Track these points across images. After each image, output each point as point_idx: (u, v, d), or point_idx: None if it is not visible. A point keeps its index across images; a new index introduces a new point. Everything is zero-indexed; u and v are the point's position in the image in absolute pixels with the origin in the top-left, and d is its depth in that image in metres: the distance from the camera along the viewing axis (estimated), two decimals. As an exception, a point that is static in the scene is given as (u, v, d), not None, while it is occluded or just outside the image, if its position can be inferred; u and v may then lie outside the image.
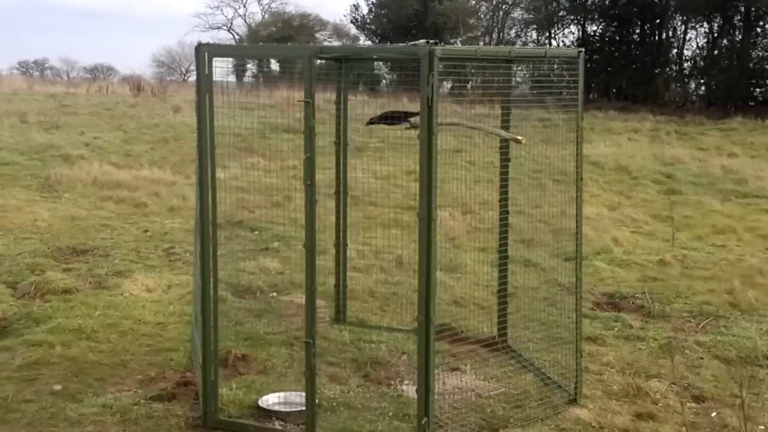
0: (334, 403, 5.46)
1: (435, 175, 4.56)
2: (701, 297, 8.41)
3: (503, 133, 5.97)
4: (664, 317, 7.90)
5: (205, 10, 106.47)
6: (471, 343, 6.78)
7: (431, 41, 4.49)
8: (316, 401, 5.31)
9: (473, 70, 5.47)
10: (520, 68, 6.50)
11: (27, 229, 10.07)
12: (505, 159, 6.69)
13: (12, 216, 10.60)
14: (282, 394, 5.41)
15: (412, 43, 4.64)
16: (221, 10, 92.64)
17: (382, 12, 49.73)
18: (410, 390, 5.65)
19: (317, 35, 60.59)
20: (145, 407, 5.25)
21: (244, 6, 65.01)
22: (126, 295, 7.52)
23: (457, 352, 6.60)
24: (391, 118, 6.42)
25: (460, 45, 47.33)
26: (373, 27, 50.84)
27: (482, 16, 51.19)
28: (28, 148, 15.90)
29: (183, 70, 70.92)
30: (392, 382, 5.90)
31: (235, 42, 64.49)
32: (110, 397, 5.40)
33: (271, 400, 5.34)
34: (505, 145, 6.63)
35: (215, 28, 63.41)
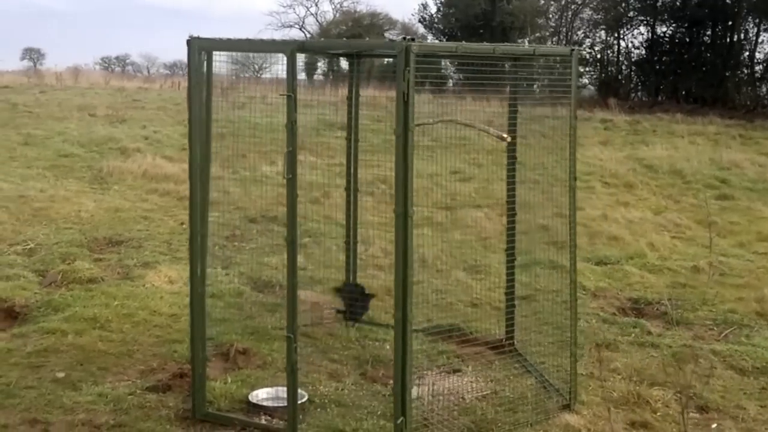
0: (326, 400, 5.44)
1: (411, 171, 4.50)
2: (728, 305, 8.14)
3: (491, 130, 5.85)
4: (687, 324, 7.67)
5: (278, 8, 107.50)
6: (478, 345, 6.70)
7: (408, 37, 4.44)
8: (306, 397, 5.33)
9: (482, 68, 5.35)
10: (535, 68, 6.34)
11: (70, 219, 10.30)
12: (511, 158, 6.57)
13: (58, 206, 10.86)
14: (273, 389, 5.42)
15: (390, 39, 4.58)
16: (294, 9, 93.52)
17: (450, 11, 49.48)
18: (418, 391, 5.59)
19: (386, 34, 60.68)
20: (139, 397, 5.32)
21: (316, 5, 65.45)
22: (147, 286, 7.63)
23: (463, 354, 6.52)
24: None
25: (517, 44, 46.90)
26: (440, 26, 50.66)
27: (551, 16, 50.56)
28: (89, 141, 16.29)
29: (256, 67, 71.84)
30: (389, 381, 5.84)
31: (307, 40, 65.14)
32: (108, 386, 5.47)
33: (261, 395, 5.35)
34: (512, 146, 6.51)
35: (287, 27, 63.82)
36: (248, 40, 4.95)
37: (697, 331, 7.53)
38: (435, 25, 51.49)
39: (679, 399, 5.80)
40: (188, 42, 4.90)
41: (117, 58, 63.55)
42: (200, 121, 5.03)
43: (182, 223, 10.42)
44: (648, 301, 8.35)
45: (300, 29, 64.87)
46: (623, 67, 44.76)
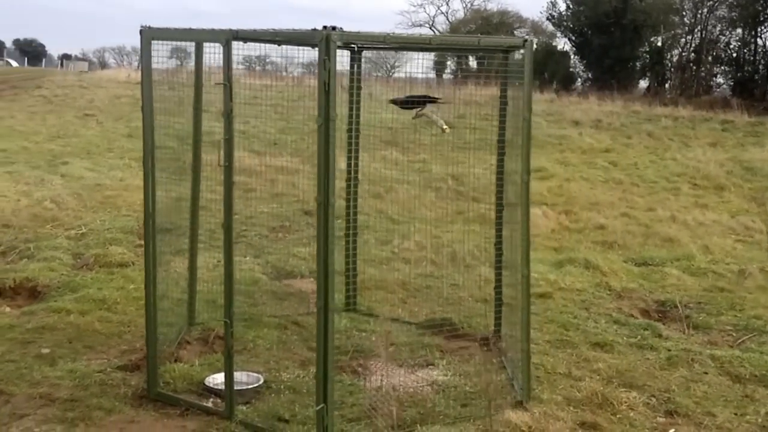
0: (283, 386, 5.49)
1: (333, 161, 4.47)
2: (756, 311, 7.66)
3: (439, 121, 5.75)
4: (705, 329, 7.29)
5: (409, 8, 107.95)
6: (467, 340, 6.59)
7: (330, 26, 4.41)
8: (262, 381, 5.40)
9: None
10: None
11: (133, 207, 10.74)
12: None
13: (127, 195, 11.36)
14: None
15: (313, 28, 4.56)
16: (424, 8, 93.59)
17: (580, 8, 48.29)
18: (373, 381, 5.57)
19: (516, 32, 59.84)
20: (106, 375, 5.52)
21: (447, 3, 65.26)
22: (168, 272, 7.87)
23: (447, 348, 6.43)
24: (411, 102, 6.36)
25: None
26: (569, 24, 49.56)
27: (685, 13, 48.46)
28: (188, 134, 16.89)
29: (388, 66, 72.42)
30: (359, 371, 5.83)
31: (436, 40, 65.08)
32: (82, 363, 5.71)
33: (219, 378, 5.43)
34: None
35: (417, 26, 63.95)
36: (188, 30, 5.04)
37: (714, 336, 7.15)
38: (564, 23, 50.44)
39: (651, 403, 5.54)
40: (141, 32, 5.05)
41: (258, 57, 65.45)
42: (151, 111, 5.17)
43: (236, 214, 10.67)
44: (674, 303, 7.96)
45: (430, 28, 64.96)
46: (760, 67, 42.40)
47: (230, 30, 4.71)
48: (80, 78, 33.54)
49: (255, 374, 5.51)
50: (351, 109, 6.90)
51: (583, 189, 14.96)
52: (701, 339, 7.01)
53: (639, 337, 6.93)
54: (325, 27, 4.41)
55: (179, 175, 13.81)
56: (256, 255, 8.81)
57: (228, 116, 4.73)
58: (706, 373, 6.12)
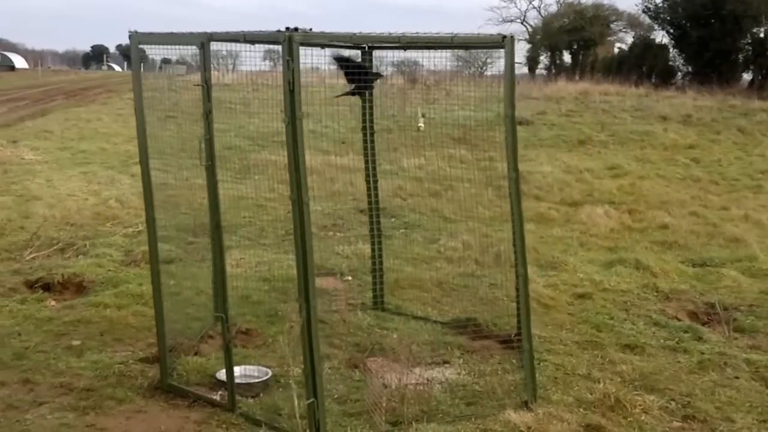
0: (291, 381, 5.58)
1: (302, 159, 4.57)
2: (808, 316, 7.36)
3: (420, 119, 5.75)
4: (751, 333, 7.09)
5: (499, 3, 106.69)
6: (490, 339, 6.56)
7: (290, 27, 4.52)
8: (269, 375, 5.53)
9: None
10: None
11: (192, 205, 11.05)
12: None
13: (189, 193, 11.67)
14: (243, 367, 5.65)
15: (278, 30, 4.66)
16: (515, 3, 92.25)
17: (677, 0, 46.92)
18: (386, 378, 5.62)
19: (612, 26, 58.52)
20: (127, 366, 5.77)
21: (540, -3, 64.54)
22: (211, 268, 8.11)
23: (470, 347, 6.43)
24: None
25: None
26: (667, 16, 48.21)
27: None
28: (259, 135, 17.29)
29: (480, 63, 71.71)
30: (372, 369, 5.89)
31: (528, 34, 64.21)
32: (107, 355, 5.97)
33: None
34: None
35: (508, 21, 63.33)
36: (171, 34, 5.22)
37: (759, 340, 6.94)
38: (661, 15, 49.10)
39: (669, 407, 5.42)
40: (129, 37, 5.26)
41: (349, 57, 66.02)
42: (142, 113, 5.38)
43: (288, 212, 10.89)
44: (725, 306, 7.72)
45: (522, 23, 64.24)
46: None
47: (206, 33, 4.88)
48: (171, 81, 34.57)
49: (265, 368, 5.64)
50: (364, 108, 6.93)
51: (656, 187, 14.60)
52: (744, 343, 6.80)
53: (676, 339, 6.78)
54: (287, 28, 4.52)
55: (243, 174, 14.18)
56: (300, 253, 8.97)
57: (207, 117, 4.89)
58: (737, 377, 5.95)
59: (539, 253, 9.31)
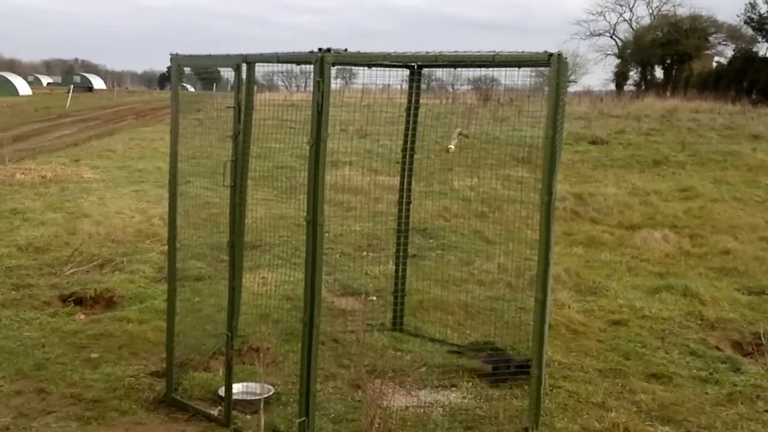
0: (292, 399, 5.79)
1: (322, 180, 4.78)
2: None
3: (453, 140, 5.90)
4: (798, 366, 6.96)
5: (586, 17, 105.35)
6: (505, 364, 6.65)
7: (324, 48, 4.70)
8: (272, 391, 5.76)
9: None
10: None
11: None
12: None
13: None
14: (246, 383, 5.88)
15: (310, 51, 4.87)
16: (604, 16, 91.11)
17: (785, 9, 45.91)
18: (385, 400, 5.78)
19: (711, 38, 57.33)
20: (137, 380, 6.05)
21: (630, 10, 63.42)
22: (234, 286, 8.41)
23: (484, 371, 6.52)
24: None
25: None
26: (771, 26, 47.17)
27: None
28: (302, 155, 17.70)
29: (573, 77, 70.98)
30: (378, 390, 6.05)
31: (618, 49, 63.40)
32: (120, 367, 6.27)
33: (235, 388, 5.81)
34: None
35: (596, 35, 62.93)
36: (208, 56, 5.53)
37: (808, 374, 6.81)
38: (766, 26, 48.04)
39: (679, 439, 5.44)
40: (171, 59, 5.59)
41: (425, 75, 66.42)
42: (176, 135, 5.68)
43: (327, 232, 11.13)
44: (770, 335, 7.63)
45: (611, 37, 63.61)
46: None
47: (240, 55, 5.13)
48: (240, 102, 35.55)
49: (268, 386, 5.85)
50: (407, 129, 7.12)
51: (728, 210, 14.37)
52: (789, 376, 6.71)
53: (710, 370, 6.74)
54: (320, 49, 4.72)
55: (289, 194, 14.53)
56: (328, 272, 9.20)
57: (236, 139, 5.12)
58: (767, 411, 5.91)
59: (581, 277, 9.33)
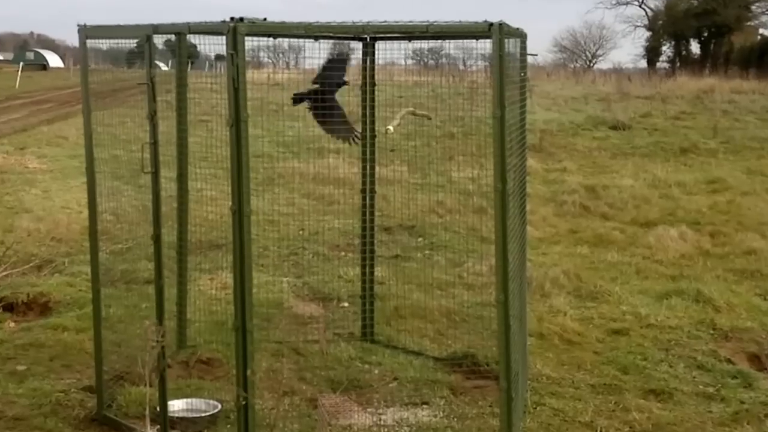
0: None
1: (246, 165, 4.87)
2: None
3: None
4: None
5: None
6: (488, 378, 6.74)
7: (236, 17, 4.76)
8: (219, 408, 5.85)
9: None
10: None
11: (196, 221, 11.52)
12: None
13: (197, 207, 12.14)
14: (190, 400, 5.98)
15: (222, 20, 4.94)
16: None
17: None
18: (342, 418, 5.88)
19: (753, 7, 57.16)
20: (66, 395, 6.15)
21: (660, -24, 63.45)
22: (192, 289, 8.49)
23: (461, 387, 6.62)
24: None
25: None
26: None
27: None
28: (297, 141, 17.76)
29: (589, 55, 70.92)
30: (338, 407, 6.15)
31: (648, 20, 63.31)
32: (50, 382, 6.37)
33: (174, 405, 5.92)
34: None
35: (622, 4, 62.92)
36: (117, 27, 5.60)
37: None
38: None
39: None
40: (78, 31, 5.69)
41: (430, 50, 66.47)
42: (89, 115, 5.74)
43: (302, 230, 11.26)
44: (791, 346, 7.73)
45: (640, 6, 63.59)
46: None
47: (151, 25, 5.23)
48: (215, 81, 35.60)
49: (215, 402, 5.95)
50: (365, 109, 7.20)
51: (760, 205, 14.44)
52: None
53: (717, 386, 6.82)
54: (232, 18, 4.81)
55: (264, 186, 14.62)
56: (298, 275, 9.30)
57: (151, 119, 5.22)
58: (773, 430, 5.99)
59: (582, 280, 9.42)
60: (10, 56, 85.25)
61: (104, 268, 9.33)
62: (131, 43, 6.20)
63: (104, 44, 6.46)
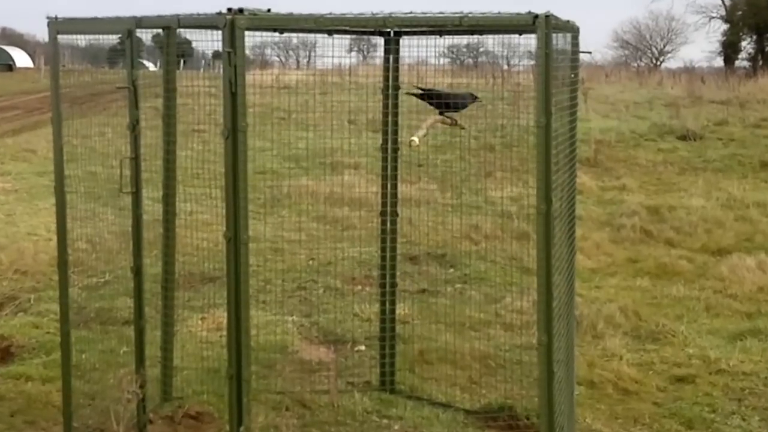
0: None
1: (244, 183, 4.88)
2: None
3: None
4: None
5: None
6: (526, 433, 6.74)
7: (235, 8, 4.76)
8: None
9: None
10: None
11: (186, 249, 11.57)
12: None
13: (187, 232, 12.20)
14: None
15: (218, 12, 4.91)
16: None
17: None
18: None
19: None
20: (29, 457, 6.19)
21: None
22: (181, 331, 8.51)
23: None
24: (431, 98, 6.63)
25: None
26: None
27: None
28: (304, 155, 17.84)
29: (655, 51, 70.36)
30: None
31: (726, 11, 63.20)
32: (10, 440, 6.41)
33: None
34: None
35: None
36: (93, 20, 5.62)
37: None
38: None
39: None
40: (48, 24, 5.72)
41: (468, 45, 66.63)
42: (59, 122, 5.78)
43: (312, 259, 11.27)
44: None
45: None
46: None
47: (133, 18, 5.23)
48: (212, 83, 35.80)
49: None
50: (386, 116, 7.20)
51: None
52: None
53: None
54: (230, 9, 4.79)
55: (268, 208, 14.69)
56: (306, 314, 9.30)
57: (133, 129, 5.24)
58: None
59: (641, 318, 9.39)
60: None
61: (76, 307, 9.41)
62: (114, 39, 6.19)
63: (82, 40, 6.48)
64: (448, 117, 6.56)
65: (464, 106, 6.62)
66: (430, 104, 6.59)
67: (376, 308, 9.30)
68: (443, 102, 6.50)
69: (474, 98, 6.65)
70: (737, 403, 7.51)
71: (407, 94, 6.85)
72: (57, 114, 5.93)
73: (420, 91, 6.61)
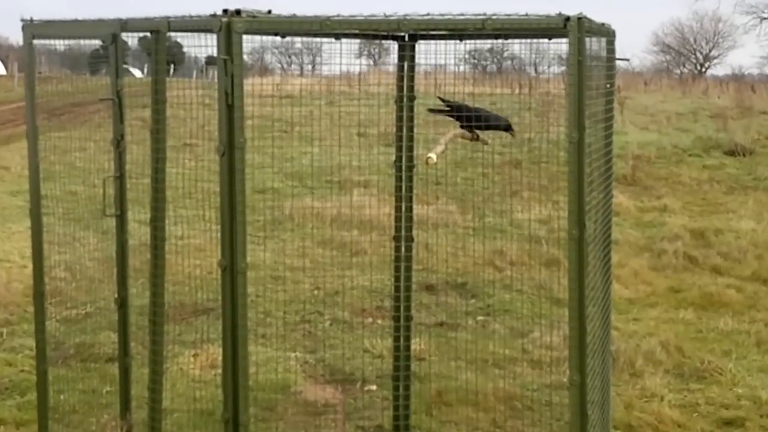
0: None
1: (242, 205, 4.93)
2: None
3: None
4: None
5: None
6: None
7: (232, 10, 4.82)
8: None
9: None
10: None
11: (177, 277, 11.66)
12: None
13: (177, 259, 12.31)
14: None
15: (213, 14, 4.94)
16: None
17: None
18: None
19: None
20: None
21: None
22: (171, 369, 8.60)
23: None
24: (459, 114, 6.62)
25: None
26: None
27: None
28: (308, 172, 17.92)
29: (700, 57, 70.30)
30: None
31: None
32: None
33: None
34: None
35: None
36: (74, 23, 5.68)
37: None
38: None
39: None
40: (23, 28, 5.80)
41: (491, 50, 66.68)
42: (35, 136, 5.87)
43: (317, 288, 11.35)
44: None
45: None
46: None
47: (118, 20, 5.28)
48: (206, 92, 35.97)
49: None
50: (400, 130, 7.25)
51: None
52: None
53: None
54: (225, 11, 4.82)
55: (269, 231, 14.80)
56: (311, 349, 9.37)
57: (117, 146, 5.31)
58: None
59: (684, 354, 9.44)
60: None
61: (54, 342, 9.50)
62: (96, 42, 6.23)
63: (60, 44, 6.55)
64: (469, 131, 6.55)
65: (495, 129, 6.63)
66: (458, 120, 6.59)
67: (388, 343, 9.37)
68: (474, 121, 6.50)
69: (508, 128, 6.64)
70: (791, 448, 7.55)
71: (430, 111, 6.84)
72: (33, 127, 6.00)
73: (446, 107, 6.61)
